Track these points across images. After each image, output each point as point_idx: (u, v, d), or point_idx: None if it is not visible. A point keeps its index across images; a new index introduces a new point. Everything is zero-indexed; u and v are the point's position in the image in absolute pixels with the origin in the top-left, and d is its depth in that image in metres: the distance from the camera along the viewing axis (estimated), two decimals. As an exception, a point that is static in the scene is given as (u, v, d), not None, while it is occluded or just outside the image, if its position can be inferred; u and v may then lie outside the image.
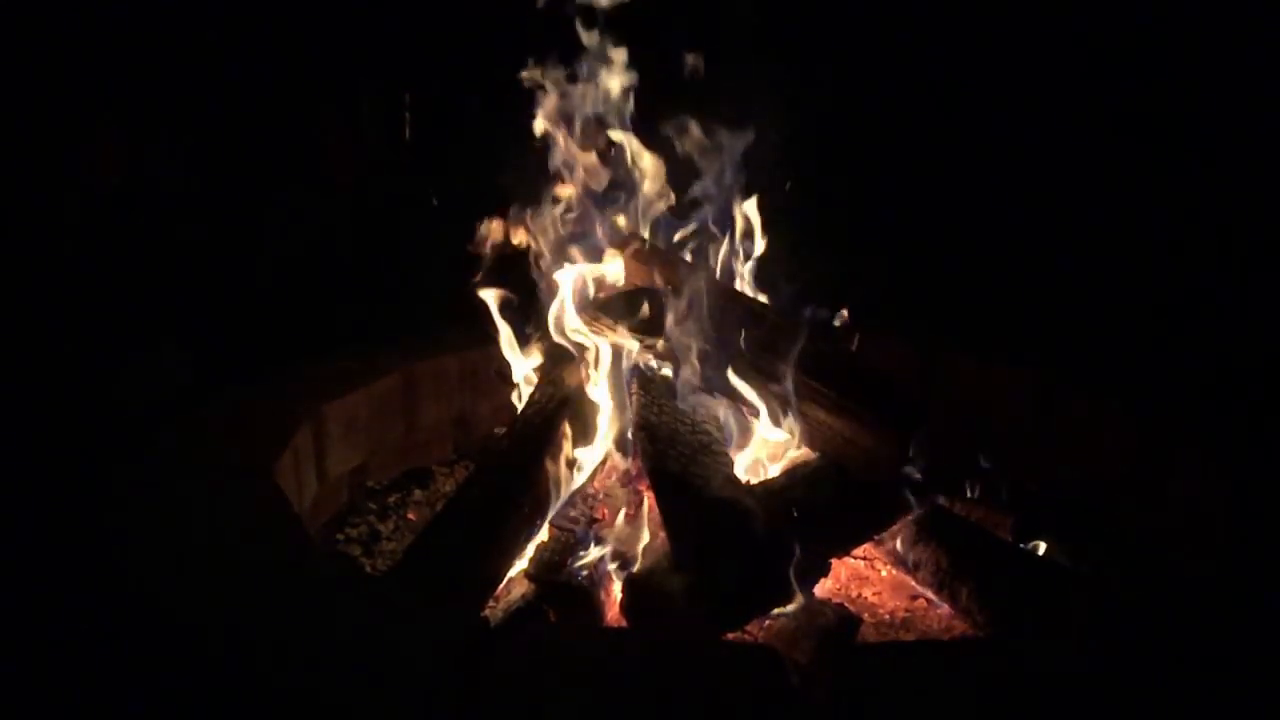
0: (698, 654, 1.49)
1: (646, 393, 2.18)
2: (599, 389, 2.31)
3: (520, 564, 2.02)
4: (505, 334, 2.45)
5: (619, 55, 2.43)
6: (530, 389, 2.41)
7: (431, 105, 4.28)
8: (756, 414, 2.21)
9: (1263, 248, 3.41)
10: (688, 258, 2.53)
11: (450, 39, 4.10)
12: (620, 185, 2.54)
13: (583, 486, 2.22)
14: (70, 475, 2.06)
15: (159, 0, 3.54)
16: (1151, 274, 3.58)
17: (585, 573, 1.98)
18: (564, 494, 2.14)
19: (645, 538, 2.09)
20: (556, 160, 2.47)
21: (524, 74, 2.44)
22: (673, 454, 1.97)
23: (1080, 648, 1.53)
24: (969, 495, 2.36)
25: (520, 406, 2.42)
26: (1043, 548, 2.26)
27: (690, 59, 2.49)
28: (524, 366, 2.48)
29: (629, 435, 2.22)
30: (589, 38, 2.40)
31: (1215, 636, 1.57)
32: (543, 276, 2.44)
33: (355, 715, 1.32)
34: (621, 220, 2.54)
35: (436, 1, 4.05)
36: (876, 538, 2.15)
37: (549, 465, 2.11)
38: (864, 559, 2.26)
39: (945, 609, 2.07)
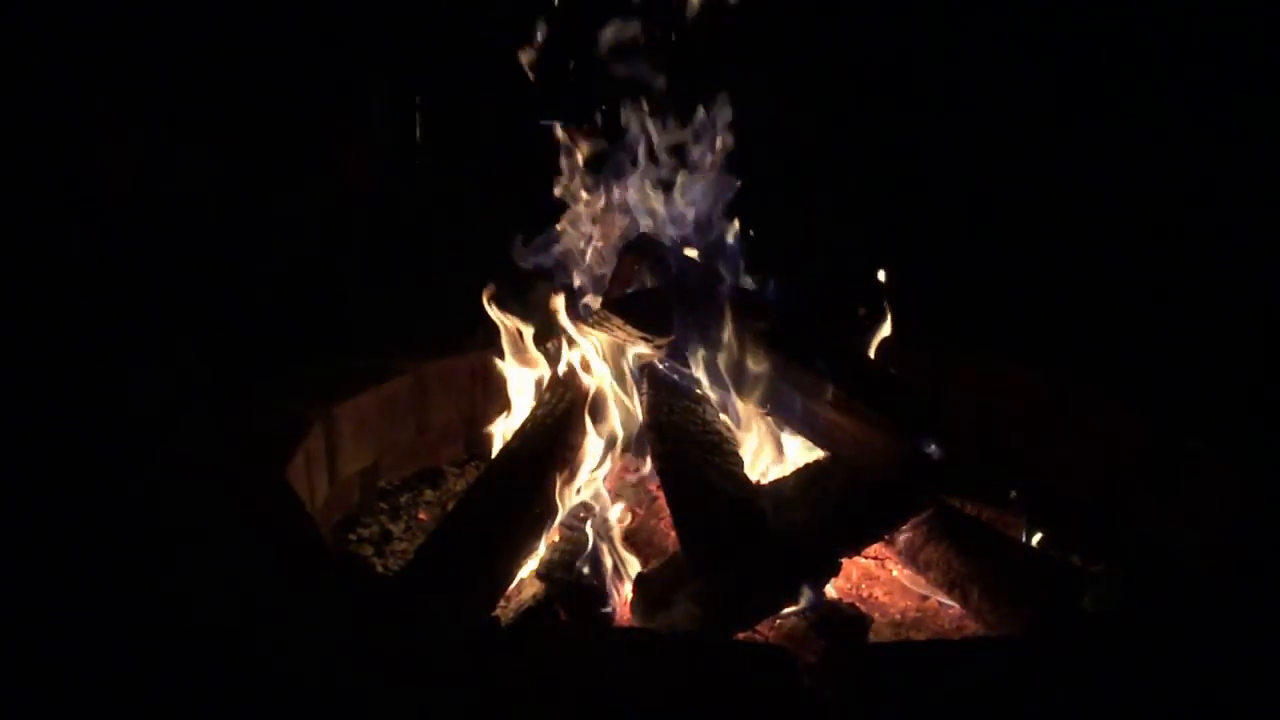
0: (708, 654, 1.50)
1: (656, 392, 2.18)
2: (609, 389, 2.31)
3: (531, 563, 2.02)
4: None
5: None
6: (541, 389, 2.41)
7: (444, 106, 4.28)
8: (768, 414, 2.22)
9: (1274, 246, 3.38)
10: (694, 258, 2.53)
11: (462, 39, 4.11)
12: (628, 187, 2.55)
13: (594, 487, 2.22)
14: (82, 477, 2.07)
15: (171, 1, 3.56)
16: (1163, 274, 3.56)
17: (596, 572, 1.99)
18: (574, 493, 2.14)
19: (656, 537, 2.10)
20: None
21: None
22: (683, 453, 1.97)
23: (1091, 648, 1.52)
24: (979, 495, 2.35)
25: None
26: (1053, 547, 2.26)
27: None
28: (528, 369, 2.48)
29: (639, 435, 2.22)
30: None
31: (1227, 637, 1.56)
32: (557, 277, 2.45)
33: (368, 714, 1.33)
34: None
35: (447, 1, 4.06)
36: (887, 538, 2.14)
37: (559, 465, 2.12)
38: (875, 559, 2.26)
39: (956, 609, 2.06)
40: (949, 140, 4.00)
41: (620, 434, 2.28)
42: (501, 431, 2.45)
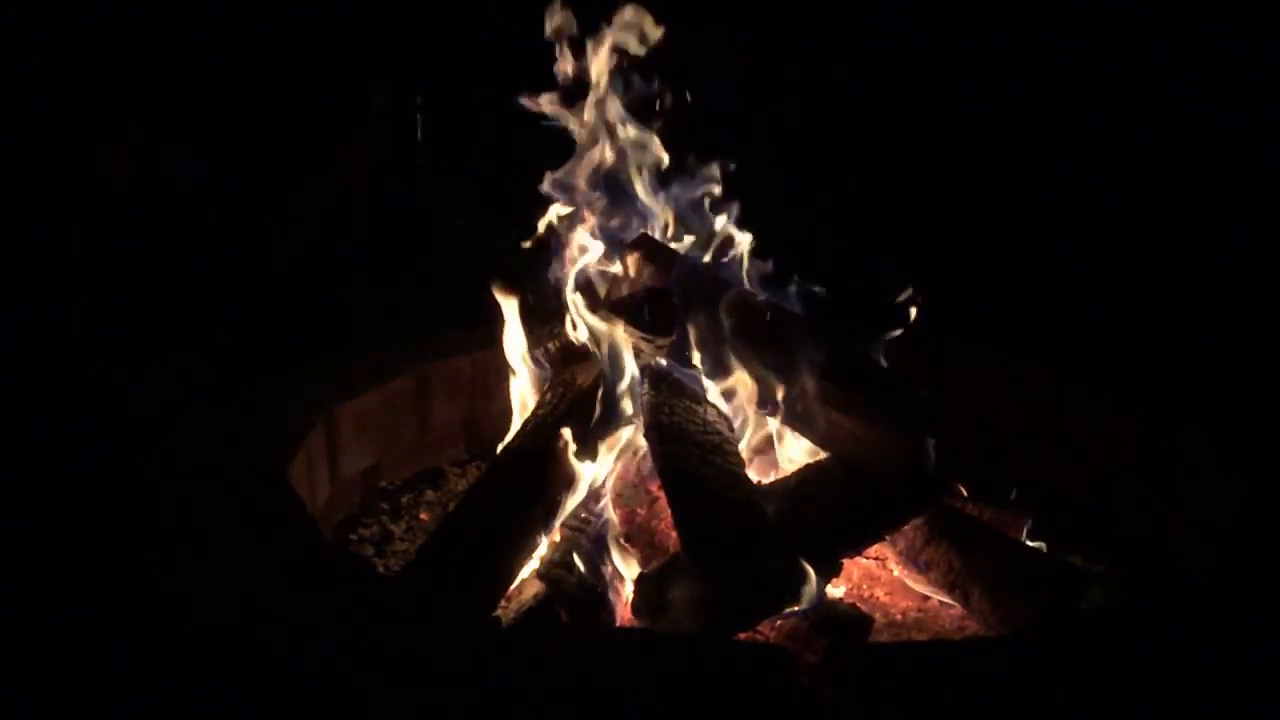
0: (710, 654, 1.50)
1: (657, 393, 2.18)
2: (610, 389, 2.31)
3: (532, 563, 2.02)
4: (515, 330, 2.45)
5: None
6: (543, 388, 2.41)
7: (445, 105, 4.29)
8: (769, 414, 2.22)
9: (1274, 246, 3.38)
10: (694, 257, 2.53)
11: (463, 38, 4.11)
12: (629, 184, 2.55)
13: (595, 487, 2.22)
14: (83, 477, 2.08)
15: (171, 1, 3.56)
16: (1163, 273, 3.57)
17: (596, 572, 1.99)
18: (575, 494, 2.15)
19: (656, 537, 2.10)
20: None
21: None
22: (684, 454, 1.97)
23: (1091, 648, 1.52)
24: (979, 495, 2.35)
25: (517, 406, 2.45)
26: (1053, 547, 2.25)
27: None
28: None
29: (640, 435, 2.22)
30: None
31: (1227, 637, 1.56)
32: (556, 275, 2.45)
33: (368, 714, 1.33)
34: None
35: (451, 3, 4.06)
36: (888, 538, 2.14)
37: (560, 465, 2.12)
38: (876, 559, 2.26)
39: (957, 609, 2.06)
40: (949, 140, 4.00)
41: (622, 434, 2.28)
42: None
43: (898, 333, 2.38)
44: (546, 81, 2.48)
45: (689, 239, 2.55)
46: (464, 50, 4.13)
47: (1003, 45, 3.91)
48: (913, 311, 2.40)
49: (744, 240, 2.52)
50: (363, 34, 4.00)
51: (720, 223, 2.54)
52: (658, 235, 2.54)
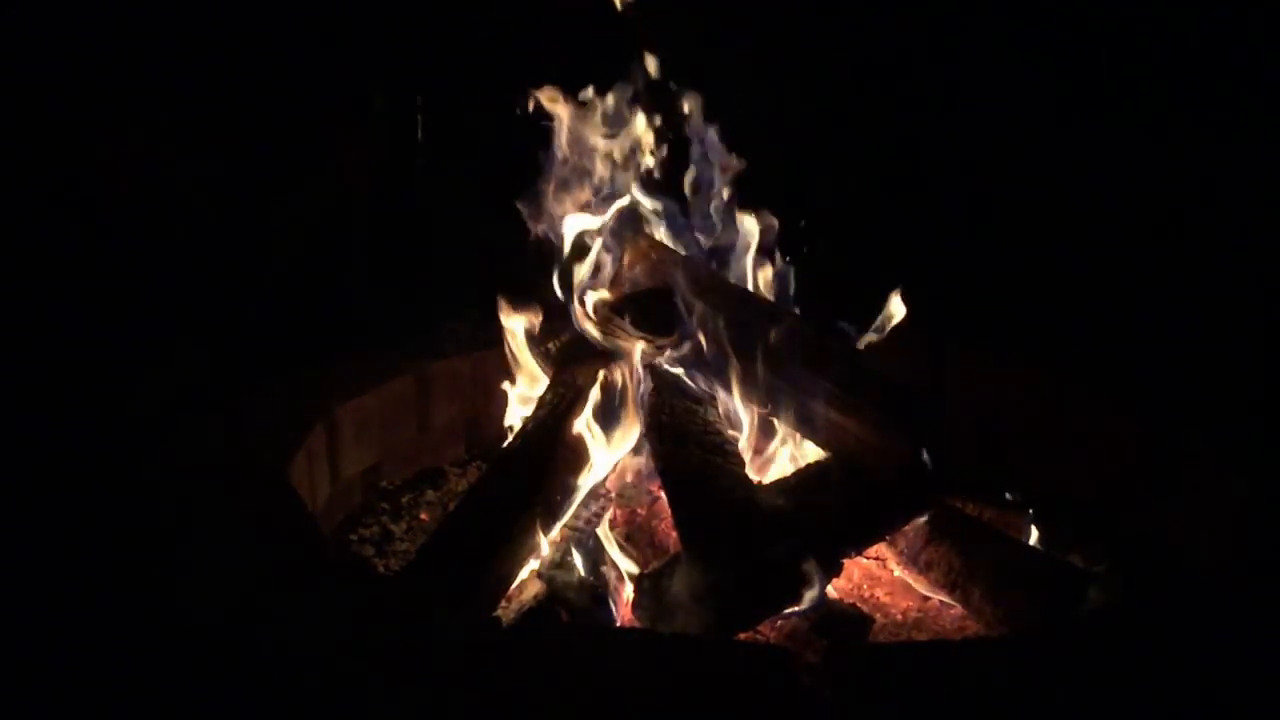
0: (710, 655, 1.50)
1: (658, 393, 2.18)
2: (611, 389, 2.31)
3: (532, 563, 2.02)
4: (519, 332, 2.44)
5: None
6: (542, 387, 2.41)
7: (445, 105, 4.28)
8: (768, 413, 2.22)
9: (1274, 246, 3.38)
10: (695, 256, 2.53)
11: (463, 39, 4.11)
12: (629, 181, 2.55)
13: (595, 487, 2.23)
14: (83, 477, 2.08)
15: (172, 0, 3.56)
16: (1164, 273, 3.56)
17: (597, 572, 1.99)
18: (576, 494, 2.15)
19: (656, 537, 2.10)
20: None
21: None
22: (684, 454, 1.97)
23: (1091, 648, 1.52)
24: (979, 495, 2.35)
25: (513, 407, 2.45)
26: (1053, 547, 2.26)
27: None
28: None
29: (641, 435, 2.22)
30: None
31: (1227, 637, 1.56)
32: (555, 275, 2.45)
33: (368, 714, 1.33)
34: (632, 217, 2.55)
35: (451, 3, 4.06)
36: (889, 538, 2.14)
37: (561, 465, 2.12)
38: (876, 559, 2.26)
39: (958, 609, 2.06)
40: (949, 139, 4.00)
41: (623, 434, 2.28)
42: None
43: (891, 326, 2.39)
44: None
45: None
46: (463, 50, 4.12)
47: (1003, 44, 3.91)
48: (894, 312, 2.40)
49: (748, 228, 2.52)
50: (363, 34, 3.99)
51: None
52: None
